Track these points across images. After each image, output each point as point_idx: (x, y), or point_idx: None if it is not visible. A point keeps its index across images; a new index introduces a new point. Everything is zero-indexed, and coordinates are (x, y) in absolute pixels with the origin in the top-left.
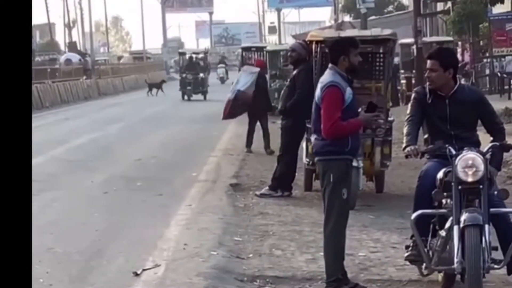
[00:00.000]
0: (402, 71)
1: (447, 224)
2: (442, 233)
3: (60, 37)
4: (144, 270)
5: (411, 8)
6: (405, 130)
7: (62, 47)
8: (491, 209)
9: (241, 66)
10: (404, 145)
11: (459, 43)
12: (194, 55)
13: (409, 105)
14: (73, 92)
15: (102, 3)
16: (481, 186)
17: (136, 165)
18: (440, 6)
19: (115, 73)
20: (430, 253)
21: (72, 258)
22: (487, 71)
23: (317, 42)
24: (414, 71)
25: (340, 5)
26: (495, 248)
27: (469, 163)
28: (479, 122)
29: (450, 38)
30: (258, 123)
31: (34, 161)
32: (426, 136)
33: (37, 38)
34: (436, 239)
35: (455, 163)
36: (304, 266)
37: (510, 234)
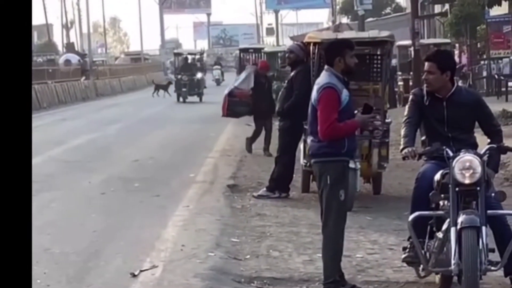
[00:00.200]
0: (399, 73)
1: (444, 226)
2: (439, 234)
3: (58, 38)
4: (141, 271)
5: (408, 10)
6: (402, 132)
7: (60, 48)
8: (488, 211)
9: (239, 68)
10: (401, 147)
11: (457, 45)
12: (189, 56)
13: (407, 107)
14: (70, 92)
15: (100, 4)
16: (478, 188)
17: (133, 166)
18: (437, 8)
19: (113, 74)
20: (427, 254)
21: (70, 259)
22: (485, 73)
23: (314, 43)
24: (411, 73)
25: (337, 7)
26: (492, 250)
27: (466, 165)
28: (477, 124)
29: (448, 40)
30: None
31: (32, 161)
32: (423, 138)
33: (35, 39)
34: (433, 241)
35: (452, 165)
36: (301, 267)
37: (507, 236)
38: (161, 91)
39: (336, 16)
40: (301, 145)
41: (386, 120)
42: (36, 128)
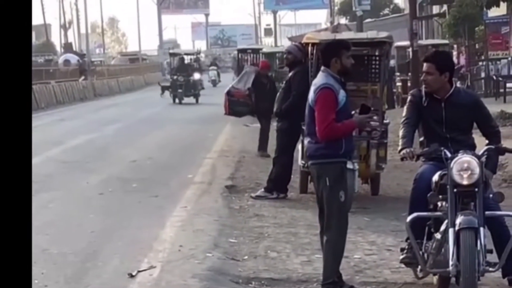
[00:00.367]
0: (397, 73)
1: (442, 227)
2: (437, 235)
3: (56, 38)
4: (139, 271)
5: (407, 11)
6: (400, 132)
7: (58, 48)
8: (486, 212)
9: (237, 68)
10: (399, 147)
11: (455, 46)
12: (187, 56)
13: (405, 107)
14: (68, 93)
15: (98, 4)
16: (476, 189)
17: (131, 166)
18: (436, 9)
19: (111, 74)
20: (425, 255)
21: (68, 259)
22: (483, 74)
23: (313, 44)
24: (409, 74)
25: (336, 8)
26: (490, 251)
27: (464, 166)
28: (475, 125)
29: (446, 41)
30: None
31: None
32: (421, 139)
33: (33, 39)
34: (431, 242)
35: (450, 166)
36: (299, 268)
37: (505, 237)
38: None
39: (335, 16)
40: (299, 146)
41: (384, 121)
42: (34, 128)
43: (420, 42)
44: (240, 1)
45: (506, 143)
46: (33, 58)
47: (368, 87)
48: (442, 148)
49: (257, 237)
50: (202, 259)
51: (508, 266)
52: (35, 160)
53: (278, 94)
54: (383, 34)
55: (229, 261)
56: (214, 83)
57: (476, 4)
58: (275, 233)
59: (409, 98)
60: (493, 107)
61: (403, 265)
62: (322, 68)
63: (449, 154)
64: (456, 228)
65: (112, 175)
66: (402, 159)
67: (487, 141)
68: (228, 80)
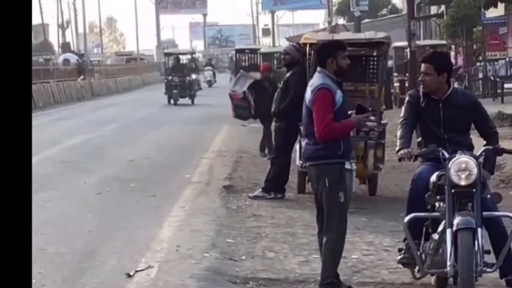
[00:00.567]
0: (395, 74)
1: (440, 227)
2: (435, 236)
3: (54, 38)
4: (136, 271)
5: (404, 11)
6: (398, 133)
7: (56, 47)
8: (484, 213)
9: (235, 68)
10: (397, 148)
11: (453, 46)
12: (183, 56)
13: (403, 108)
14: (66, 92)
15: (96, 4)
16: (474, 190)
17: (129, 166)
18: (433, 10)
19: (108, 74)
20: (423, 256)
21: (65, 259)
22: (480, 75)
23: (310, 44)
24: (407, 74)
25: (334, 8)
26: (488, 252)
27: (462, 167)
28: (473, 125)
29: (444, 42)
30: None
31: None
32: (419, 139)
33: None
34: (429, 242)
35: (448, 167)
36: (297, 268)
37: (502, 238)
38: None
39: (332, 17)
40: (297, 146)
41: (382, 121)
42: (32, 128)
43: (418, 42)
44: (238, 1)
45: (503, 144)
46: (33, 58)
47: (366, 87)
48: (440, 148)
49: (255, 237)
50: (199, 259)
51: (505, 267)
52: (33, 160)
53: (276, 94)
54: (381, 35)
55: (226, 261)
56: (210, 83)
57: (474, 4)
58: (272, 233)
59: (407, 98)
60: (491, 107)
61: (400, 266)
62: (319, 68)
63: (447, 155)
64: (454, 228)
65: (110, 175)
66: (400, 159)
67: (485, 142)
68: (225, 80)
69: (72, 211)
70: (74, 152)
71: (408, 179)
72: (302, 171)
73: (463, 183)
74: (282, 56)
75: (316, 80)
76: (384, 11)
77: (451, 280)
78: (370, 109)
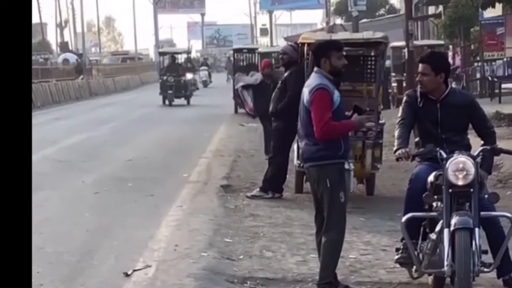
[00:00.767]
0: (393, 74)
1: (438, 227)
2: (433, 236)
3: (52, 37)
4: (134, 270)
5: (402, 12)
6: (396, 133)
7: (54, 47)
8: (482, 213)
9: (232, 68)
10: (395, 148)
11: (450, 46)
12: (181, 55)
13: (400, 108)
14: (64, 92)
15: (94, 3)
16: (471, 190)
17: (127, 165)
18: (431, 10)
19: (107, 73)
20: (420, 256)
21: (63, 258)
22: (478, 75)
23: (308, 44)
24: (405, 74)
25: (332, 8)
26: (485, 252)
27: (459, 167)
28: (470, 125)
29: (441, 42)
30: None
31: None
32: (417, 139)
33: None
34: (426, 242)
35: (446, 167)
36: (294, 268)
37: (500, 238)
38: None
39: (330, 17)
40: (294, 146)
41: (380, 121)
42: None
43: (415, 42)
44: (236, 1)
45: (501, 144)
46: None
47: (363, 87)
48: (437, 148)
49: (252, 237)
50: (197, 259)
51: (503, 267)
52: None
53: (273, 94)
54: (378, 35)
55: (224, 261)
56: (205, 83)
57: (471, 5)
58: (270, 232)
59: (404, 98)
60: (488, 107)
61: (398, 265)
62: (316, 68)
63: (444, 155)
64: (451, 228)
65: (108, 174)
66: (397, 159)
67: (482, 142)
68: (221, 80)
69: (70, 210)
70: (72, 151)
71: (406, 179)
72: (300, 170)
73: (460, 183)
74: (280, 56)
75: (313, 80)
76: (382, 11)
77: (448, 280)
78: (368, 109)
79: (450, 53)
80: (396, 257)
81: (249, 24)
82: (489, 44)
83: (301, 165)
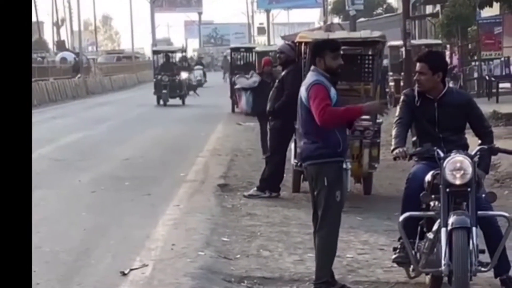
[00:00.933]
0: (390, 73)
1: (435, 227)
2: (430, 235)
3: (49, 36)
4: (131, 270)
5: (400, 11)
6: (393, 132)
7: (51, 45)
8: (479, 212)
9: (230, 67)
10: (392, 147)
11: (448, 46)
12: (177, 55)
13: (398, 107)
14: (61, 90)
15: (91, 2)
16: (469, 189)
17: (124, 164)
18: (429, 9)
19: (104, 72)
20: (418, 255)
21: (60, 257)
22: (475, 74)
23: (305, 43)
24: (402, 73)
25: (329, 7)
26: (482, 251)
27: (457, 166)
28: (468, 125)
29: (439, 41)
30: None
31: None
32: (414, 138)
33: None
34: (423, 242)
35: (443, 166)
36: (291, 267)
37: (497, 237)
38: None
39: (328, 16)
40: (291, 145)
41: (377, 120)
42: None
43: (413, 41)
44: (234, 0)
45: (498, 143)
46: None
47: (361, 86)
48: (435, 148)
49: (250, 236)
50: (194, 258)
51: (500, 266)
52: None
53: (271, 93)
54: (376, 34)
55: (221, 260)
56: (200, 83)
57: (469, 4)
58: (267, 232)
59: (402, 97)
60: (486, 107)
61: (395, 265)
62: (312, 67)
63: (441, 154)
64: (449, 227)
65: (105, 173)
66: (394, 158)
67: (479, 141)
68: (218, 79)
69: (67, 209)
70: (69, 150)
71: (403, 178)
72: (297, 170)
73: (458, 182)
74: (277, 55)
75: (309, 78)
76: (379, 10)
77: (445, 279)
78: None
79: (447, 53)
80: (394, 256)
81: (246, 23)
82: (486, 44)
83: (298, 164)
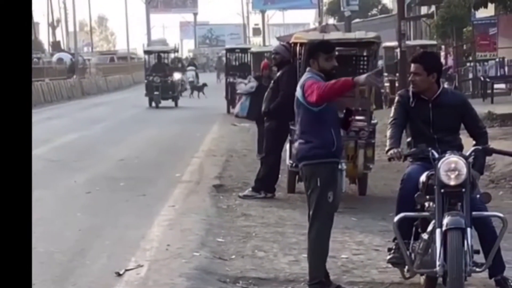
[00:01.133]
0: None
1: (430, 227)
2: (425, 236)
3: (44, 37)
4: (126, 270)
5: (395, 12)
6: (388, 133)
7: (46, 46)
8: (473, 213)
9: (225, 68)
10: (387, 148)
11: (443, 47)
12: (173, 55)
13: (393, 108)
14: (56, 91)
15: (86, 3)
16: (463, 190)
17: (119, 165)
18: (424, 10)
19: (99, 73)
20: (412, 256)
21: (55, 258)
22: (470, 75)
23: (301, 44)
24: (397, 74)
25: (324, 8)
26: (477, 252)
27: (451, 167)
28: (462, 126)
29: (434, 42)
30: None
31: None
32: (409, 139)
33: None
34: (418, 242)
35: (438, 167)
36: (286, 267)
37: (491, 238)
38: (197, 93)
39: (323, 16)
40: (287, 146)
41: (372, 121)
42: None
43: (408, 42)
44: (229, 1)
45: (493, 144)
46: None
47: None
48: (429, 148)
49: (245, 237)
50: (189, 258)
51: (494, 267)
52: None
53: (266, 94)
54: (371, 35)
55: (216, 260)
56: (192, 84)
57: (464, 5)
58: (262, 232)
59: (396, 98)
60: (481, 108)
61: (390, 265)
62: (308, 68)
63: (436, 155)
64: (443, 228)
65: (100, 174)
66: (389, 159)
67: (474, 142)
68: (212, 81)
69: (62, 210)
70: (64, 150)
71: (398, 179)
72: (292, 170)
73: (452, 183)
74: (273, 56)
75: (304, 78)
76: (374, 11)
77: (440, 279)
78: (360, 109)
79: (442, 53)
80: (388, 257)
81: (241, 24)
82: (481, 45)
83: (294, 165)
